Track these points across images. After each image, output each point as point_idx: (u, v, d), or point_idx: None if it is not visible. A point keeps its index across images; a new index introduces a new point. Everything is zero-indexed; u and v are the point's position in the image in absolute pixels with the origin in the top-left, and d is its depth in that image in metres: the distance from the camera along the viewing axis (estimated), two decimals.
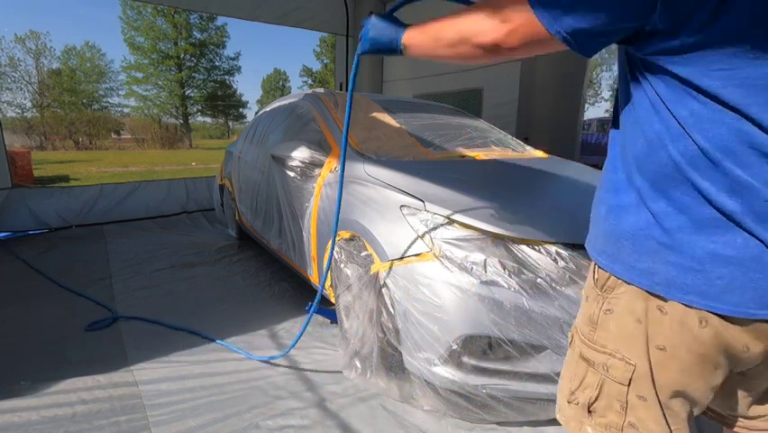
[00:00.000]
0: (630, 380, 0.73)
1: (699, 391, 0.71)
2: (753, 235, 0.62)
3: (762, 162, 0.60)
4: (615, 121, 0.79)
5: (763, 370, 0.74)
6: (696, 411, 0.75)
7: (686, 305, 0.67)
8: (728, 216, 0.63)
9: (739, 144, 0.61)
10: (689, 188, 0.65)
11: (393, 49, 1.03)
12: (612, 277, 0.76)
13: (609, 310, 0.76)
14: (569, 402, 0.83)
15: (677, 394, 0.72)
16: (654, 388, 0.72)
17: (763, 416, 0.82)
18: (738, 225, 0.62)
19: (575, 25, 0.67)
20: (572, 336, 0.86)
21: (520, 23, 0.71)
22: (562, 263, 1.52)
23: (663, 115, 0.66)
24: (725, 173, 0.62)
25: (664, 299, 0.69)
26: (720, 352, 0.68)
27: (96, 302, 2.62)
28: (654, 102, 0.68)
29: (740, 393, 0.80)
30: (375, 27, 1.08)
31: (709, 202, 0.64)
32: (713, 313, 0.65)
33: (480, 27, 0.76)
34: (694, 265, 0.65)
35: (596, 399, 0.78)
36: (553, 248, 1.55)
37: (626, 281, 0.73)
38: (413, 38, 0.97)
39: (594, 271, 0.82)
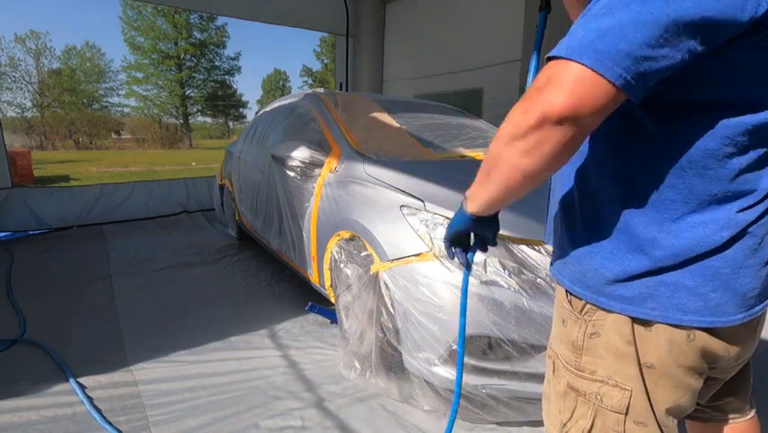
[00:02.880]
0: (628, 407, 0.69)
1: (689, 400, 0.71)
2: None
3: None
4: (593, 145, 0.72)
5: (732, 363, 0.75)
6: (682, 417, 0.75)
7: (676, 325, 0.65)
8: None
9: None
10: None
11: (467, 224, 0.86)
12: (590, 304, 0.72)
13: (595, 334, 0.71)
14: None
15: (671, 410, 0.71)
16: (653, 410, 0.69)
17: (724, 405, 0.86)
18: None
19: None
20: (554, 364, 0.80)
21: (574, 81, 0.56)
22: None
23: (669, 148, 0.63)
24: None
25: (651, 320, 0.66)
26: (705, 360, 0.68)
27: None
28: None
29: (707, 384, 0.80)
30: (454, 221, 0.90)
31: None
32: (701, 328, 0.64)
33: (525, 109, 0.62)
34: (688, 283, 0.64)
35: (589, 430, 0.73)
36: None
37: (614, 312, 0.69)
38: (472, 193, 0.79)
39: (566, 294, 0.76)
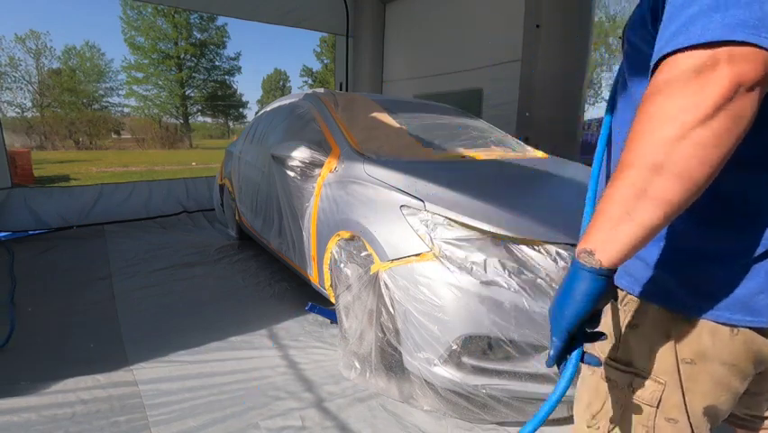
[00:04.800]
0: (660, 400, 0.68)
1: (728, 402, 0.69)
2: None
3: None
4: None
5: None
6: (717, 423, 0.73)
7: (724, 323, 0.63)
8: None
9: None
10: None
11: (602, 289, 0.60)
12: (631, 295, 0.70)
13: (634, 325, 0.70)
14: (588, 427, 0.78)
15: (707, 411, 0.68)
16: (686, 407, 0.68)
17: None
18: None
19: None
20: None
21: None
22: (561, 263, 1.52)
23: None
24: None
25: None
26: (750, 359, 0.66)
27: None
28: None
29: (758, 393, 0.78)
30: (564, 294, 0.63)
31: None
32: (748, 326, 0.63)
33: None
34: (738, 280, 0.62)
35: (618, 423, 0.72)
36: (553, 248, 1.55)
37: (665, 308, 0.67)
38: (603, 234, 0.58)
39: None
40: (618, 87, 0.78)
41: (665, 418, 0.69)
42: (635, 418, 0.71)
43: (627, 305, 0.72)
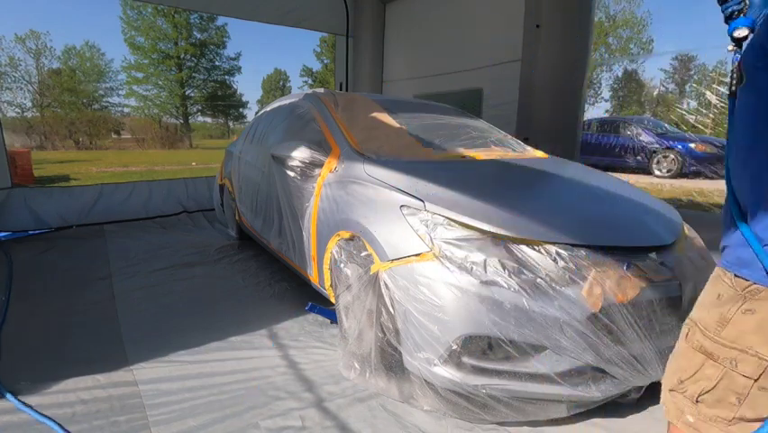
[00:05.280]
0: (761, 374, 0.74)
1: None
2: None
3: None
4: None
5: None
6: None
7: None
8: None
9: None
10: None
11: None
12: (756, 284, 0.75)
13: (751, 311, 0.76)
14: (671, 390, 0.85)
15: None
16: None
17: None
18: None
19: None
20: (688, 330, 0.86)
21: None
22: (561, 263, 1.52)
23: None
24: None
25: None
26: None
27: None
28: None
29: None
30: None
31: None
32: None
33: None
34: None
35: (709, 390, 0.79)
36: (552, 248, 1.55)
37: None
38: None
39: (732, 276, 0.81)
40: (741, 112, 0.80)
41: (759, 387, 0.74)
42: (729, 387, 0.77)
43: (750, 292, 0.76)
